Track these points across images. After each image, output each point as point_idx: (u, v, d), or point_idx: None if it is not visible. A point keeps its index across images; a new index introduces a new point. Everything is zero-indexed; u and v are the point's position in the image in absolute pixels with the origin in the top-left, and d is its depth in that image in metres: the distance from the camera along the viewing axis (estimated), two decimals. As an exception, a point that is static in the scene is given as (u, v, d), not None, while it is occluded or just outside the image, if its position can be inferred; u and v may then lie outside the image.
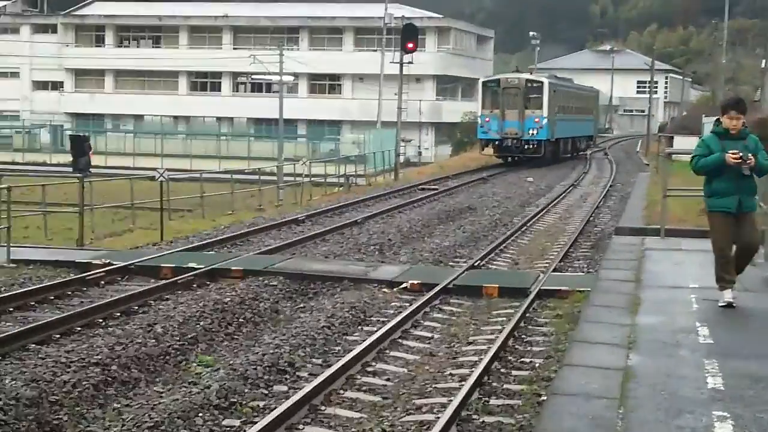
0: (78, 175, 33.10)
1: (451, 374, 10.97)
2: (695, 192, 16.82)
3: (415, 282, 15.99)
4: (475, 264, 18.30)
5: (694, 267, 14.30)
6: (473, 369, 10.78)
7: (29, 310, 14.06)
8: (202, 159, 68.29)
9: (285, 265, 17.29)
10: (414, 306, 14.16)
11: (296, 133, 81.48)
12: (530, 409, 9.45)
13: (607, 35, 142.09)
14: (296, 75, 78.54)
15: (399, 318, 13.28)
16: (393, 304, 14.95)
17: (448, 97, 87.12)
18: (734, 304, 11.26)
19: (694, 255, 15.40)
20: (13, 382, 9.93)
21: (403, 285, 15.97)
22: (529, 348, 12.10)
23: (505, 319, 13.68)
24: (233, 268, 16.89)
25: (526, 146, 50.50)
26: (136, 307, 14.19)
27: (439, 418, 9.07)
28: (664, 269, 14.46)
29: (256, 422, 9.05)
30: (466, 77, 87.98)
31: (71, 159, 56.64)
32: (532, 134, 50.06)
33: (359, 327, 13.41)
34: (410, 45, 46.06)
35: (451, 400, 9.56)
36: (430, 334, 13.05)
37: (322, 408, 9.75)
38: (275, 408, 9.38)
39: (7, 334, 11.91)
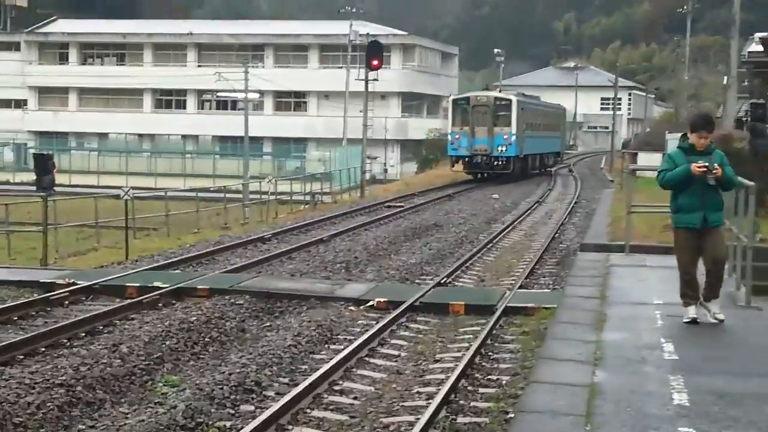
0: (42, 193, 32.88)
1: (418, 392, 10.96)
2: (659, 208, 17.02)
3: (382, 300, 15.94)
4: (442, 281, 18.31)
5: (659, 283, 14.38)
6: (440, 387, 10.77)
7: (-8, 331, 13.90)
8: (168, 177, 68.15)
9: (251, 283, 17.23)
10: (381, 324, 14.14)
11: (262, 150, 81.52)
12: (498, 427, 9.45)
13: (571, 52, 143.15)
14: (261, 92, 78.84)
15: (366, 336, 13.26)
16: (360, 322, 14.93)
17: (413, 114, 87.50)
18: (699, 321, 11.35)
19: (659, 271, 15.49)
20: (-24, 404, 9.82)
21: (370, 303, 15.93)
22: (496, 365, 12.10)
23: (471, 336, 13.69)
24: (199, 287, 16.79)
25: (495, 163, 51.15)
26: (101, 327, 14.07)
27: (406, 436, 9.06)
28: (628, 285, 14.55)
29: (223, 443, 9.01)
30: (431, 94, 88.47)
31: (35, 177, 56.02)
32: (501, 151, 50.63)
33: (326, 345, 13.38)
34: (375, 62, 46.27)
35: (418, 419, 9.54)
36: (397, 352, 13.04)
37: (289, 427, 9.71)
38: (242, 428, 9.33)
39: (-31, 355, 11.79)
